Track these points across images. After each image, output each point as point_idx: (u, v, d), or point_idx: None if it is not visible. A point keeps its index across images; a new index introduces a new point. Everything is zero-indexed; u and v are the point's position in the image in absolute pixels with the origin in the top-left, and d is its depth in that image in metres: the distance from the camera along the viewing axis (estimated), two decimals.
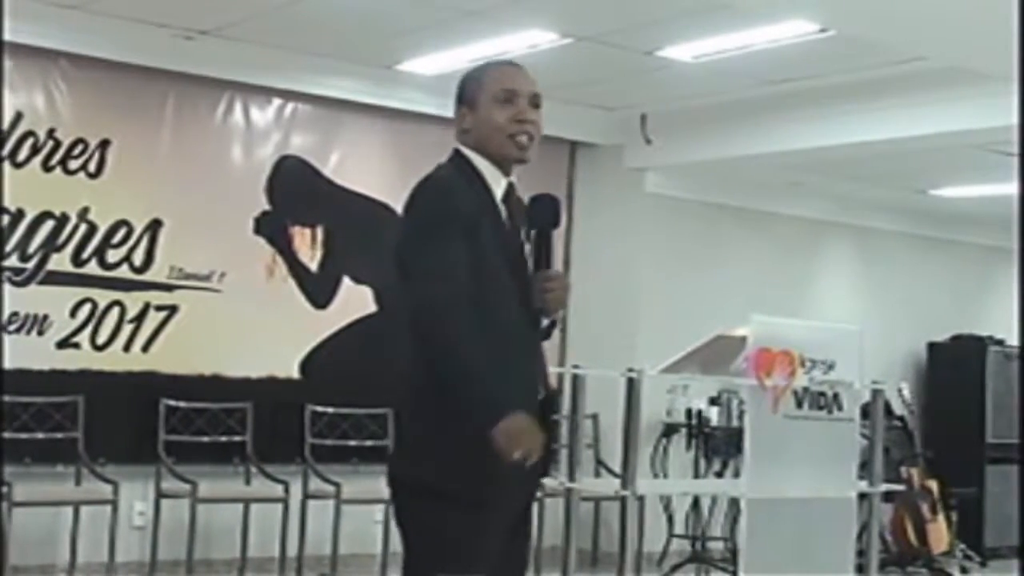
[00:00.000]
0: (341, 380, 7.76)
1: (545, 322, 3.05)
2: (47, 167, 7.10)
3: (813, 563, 3.92)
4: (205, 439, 7.44)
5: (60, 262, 7.14)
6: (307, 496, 7.55)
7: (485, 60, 3.30)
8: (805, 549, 3.90)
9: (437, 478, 2.87)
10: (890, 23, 5.60)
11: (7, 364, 6.80)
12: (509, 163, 3.04)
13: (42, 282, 7.07)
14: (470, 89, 3.06)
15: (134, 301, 7.34)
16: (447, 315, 2.82)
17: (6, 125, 6.94)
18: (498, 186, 3.03)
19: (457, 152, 3.06)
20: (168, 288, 7.44)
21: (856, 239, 10.33)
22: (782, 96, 7.65)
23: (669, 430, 8.71)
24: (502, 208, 3.01)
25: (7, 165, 6.95)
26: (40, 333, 7.04)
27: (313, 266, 7.93)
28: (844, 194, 9.84)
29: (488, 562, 2.88)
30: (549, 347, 3.18)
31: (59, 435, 6.99)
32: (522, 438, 2.76)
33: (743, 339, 3.73)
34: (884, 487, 4.42)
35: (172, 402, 7.37)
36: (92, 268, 7.23)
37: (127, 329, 7.31)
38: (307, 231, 7.91)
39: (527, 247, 3.03)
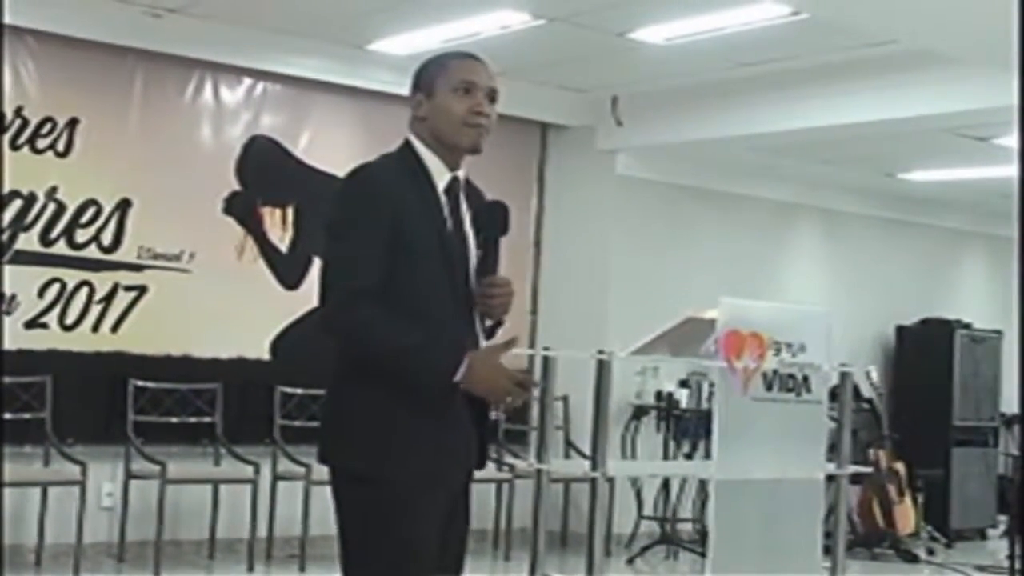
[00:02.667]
0: (311, 361, 7.69)
1: (488, 323, 3.07)
2: (15, 146, 7.04)
3: (781, 544, 3.95)
4: (174, 420, 7.42)
5: (28, 241, 7.09)
6: (276, 477, 7.54)
7: (448, 46, 3.30)
8: (773, 530, 3.92)
9: (367, 464, 2.89)
10: (862, 6, 5.62)
11: None
12: (460, 153, 3.06)
13: (10, 262, 7.02)
14: (428, 77, 3.07)
15: (103, 281, 7.29)
16: (361, 322, 2.87)
17: None
18: (441, 179, 3.04)
19: (406, 143, 3.09)
20: (137, 268, 7.40)
21: (825, 222, 10.37)
22: (754, 79, 7.67)
23: (639, 412, 8.74)
24: (443, 200, 3.02)
25: None
26: (8, 313, 6.99)
27: (283, 247, 7.90)
28: (814, 177, 9.87)
29: (424, 547, 2.88)
30: (521, 330, 3.18)
31: (27, 416, 6.95)
32: (497, 378, 2.87)
33: (713, 321, 3.74)
34: (852, 469, 4.44)
35: (141, 383, 7.34)
36: (60, 248, 7.18)
37: (96, 309, 7.27)
38: (277, 211, 7.88)
39: (471, 243, 3.03)
